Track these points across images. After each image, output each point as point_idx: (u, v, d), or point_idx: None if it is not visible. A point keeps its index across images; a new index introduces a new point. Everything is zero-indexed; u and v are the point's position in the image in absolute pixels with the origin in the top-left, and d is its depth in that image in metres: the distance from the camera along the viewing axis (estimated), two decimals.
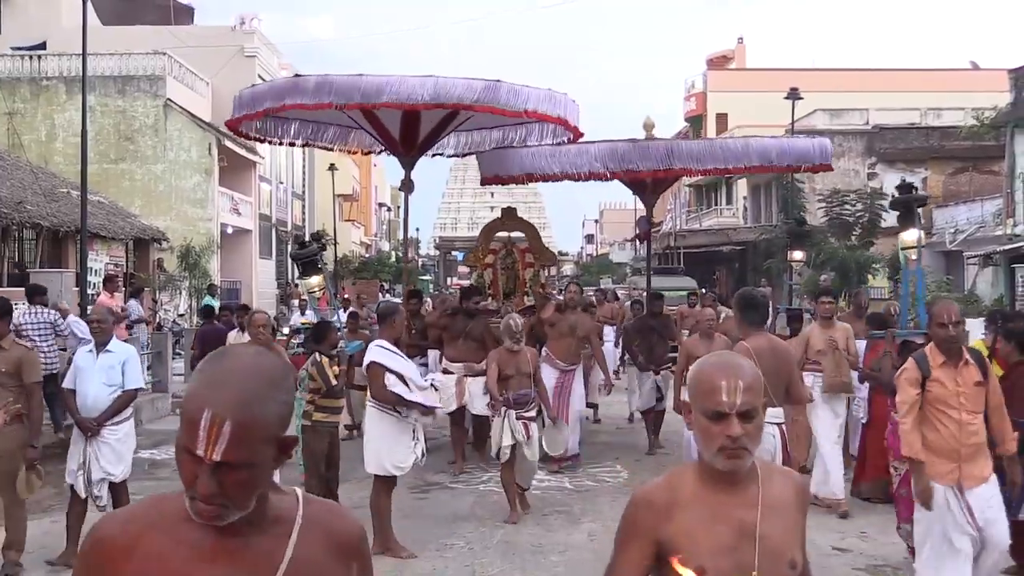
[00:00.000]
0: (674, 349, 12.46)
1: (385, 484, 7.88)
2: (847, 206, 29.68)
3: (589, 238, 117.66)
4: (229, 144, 33.05)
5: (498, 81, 11.07)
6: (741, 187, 49.62)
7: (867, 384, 9.75)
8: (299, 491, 2.01)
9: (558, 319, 11.39)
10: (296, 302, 25.29)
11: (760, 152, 12.53)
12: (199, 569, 1.86)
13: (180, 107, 31.17)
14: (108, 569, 1.89)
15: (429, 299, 20.91)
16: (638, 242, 18.94)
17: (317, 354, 8.53)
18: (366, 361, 8.05)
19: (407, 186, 12.91)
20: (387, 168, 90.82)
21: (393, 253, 73.10)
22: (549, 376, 10.56)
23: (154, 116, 31.05)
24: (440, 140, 13.12)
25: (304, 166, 47.67)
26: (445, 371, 11.20)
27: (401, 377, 7.83)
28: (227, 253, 34.14)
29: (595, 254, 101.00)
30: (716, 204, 54.66)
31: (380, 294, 34.20)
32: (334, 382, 8.43)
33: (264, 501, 1.90)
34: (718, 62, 61.91)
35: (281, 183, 42.84)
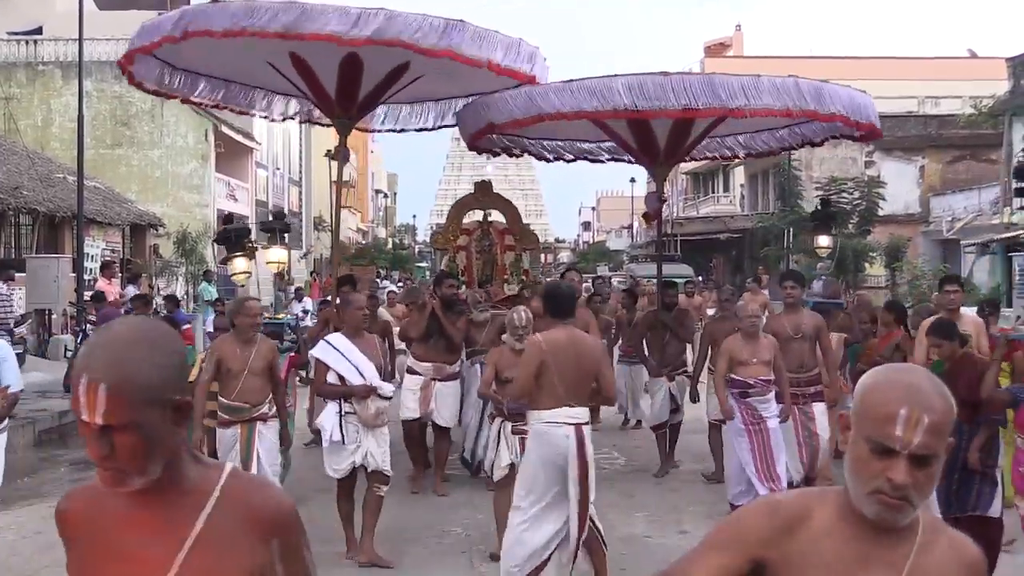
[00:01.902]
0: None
1: (339, 485, 7.39)
2: (844, 194, 29.68)
3: (586, 225, 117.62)
4: (226, 130, 33.00)
5: (461, 21, 9.03)
6: (738, 174, 49.62)
7: None
8: (229, 465, 2.02)
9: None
10: (294, 288, 25.25)
11: (812, 92, 9.49)
12: (116, 536, 1.93)
13: None
14: (67, 539, 2.02)
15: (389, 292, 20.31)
16: (645, 222, 15.02)
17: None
18: (311, 355, 7.63)
19: (341, 154, 10.95)
20: (384, 155, 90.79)
21: (390, 240, 73.10)
22: None
23: (151, 102, 30.86)
24: (385, 99, 10.93)
25: (301, 152, 47.57)
26: (410, 371, 9.65)
27: (341, 379, 7.22)
28: None
29: (592, 241, 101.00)
30: (713, 191, 54.67)
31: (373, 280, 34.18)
32: (191, 378, 7.36)
33: (175, 470, 1.92)
34: (716, 49, 61.77)
35: (278, 169, 42.76)
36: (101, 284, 15.68)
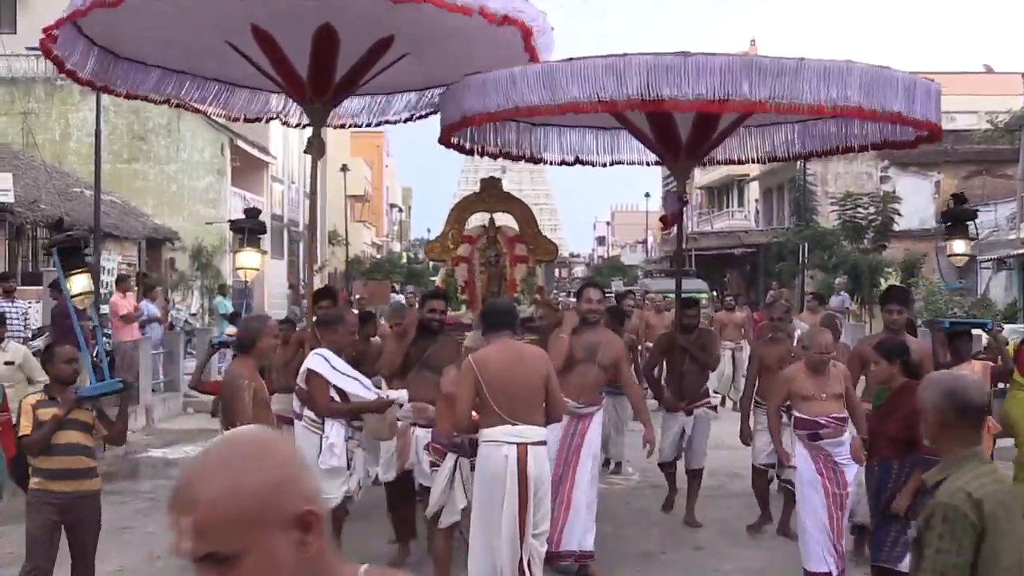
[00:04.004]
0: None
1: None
2: (860, 209, 29.62)
3: (600, 240, 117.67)
4: (242, 144, 33.19)
5: None
6: (753, 189, 49.60)
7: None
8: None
9: (571, 339, 7.77)
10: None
11: (864, 76, 7.26)
12: None
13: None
14: None
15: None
16: (663, 225, 11.29)
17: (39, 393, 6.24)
18: (303, 369, 6.75)
19: (316, 147, 9.22)
20: (399, 169, 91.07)
21: (404, 254, 73.27)
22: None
23: (167, 116, 31.08)
24: (366, 80, 9.09)
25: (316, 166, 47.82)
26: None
27: (344, 396, 6.64)
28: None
29: (606, 256, 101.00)
30: (728, 206, 54.64)
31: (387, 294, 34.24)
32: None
33: None
34: None
35: (293, 183, 42.92)
36: (116, 298, 15.72)
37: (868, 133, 9.52)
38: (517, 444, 5.81)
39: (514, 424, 5.83)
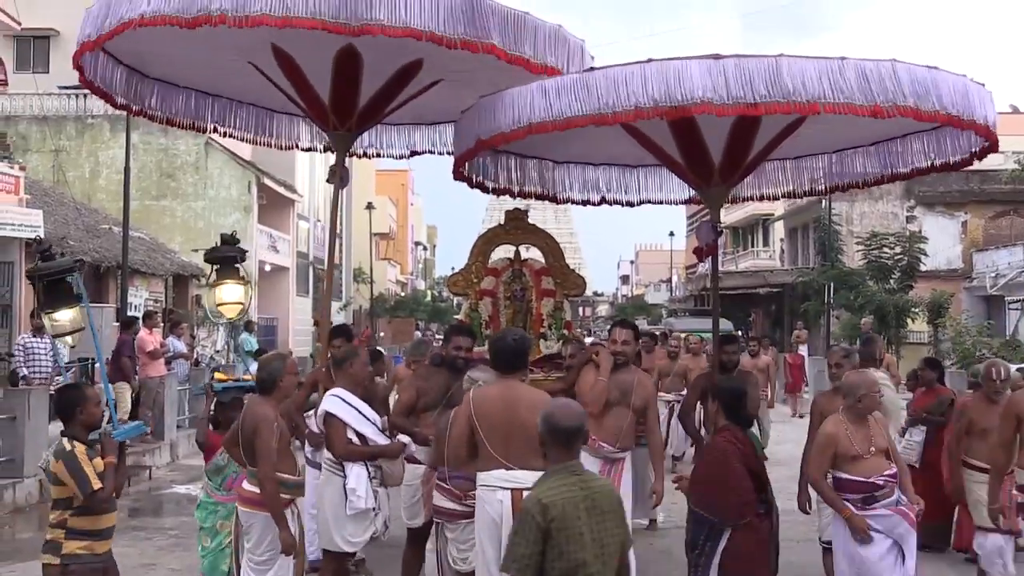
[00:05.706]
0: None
1: (335, 562, 6.55)
2: (886, 249, 29.49)
3: (624, 279, 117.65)
4: (268, 182, 33.49)
5: None
6: (778, 229, 49.50)
7: (920, 427, 9.33)
8: None
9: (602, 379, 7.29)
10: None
11: (916, 83, 6.31)
12: None
13: (221, 145, 31.64)
14: None
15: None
16: (697, 258, 9.90)
17: (66, 440, 5.40)
18: (320, 411, 6.61)
19: (338, 176, 8.69)
20: (424, 207, 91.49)
21: (429, 292, 73.49)
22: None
23: (195, 154, 31.48)
24: (391, 109, 8.63)
25: (342, 204, 48.11)
26: (409, 459, 7.16)
27: (363, 439, 6.54)
28: (265, 290, 34.44)
29: (630, 295, 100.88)
30: (753, 246, 54.54)
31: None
32: (96, 485, 5.24)
33: None
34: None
35: (319, 221, 43.19)
36: (143, 334, 15.84)
37: (917, 156, 8.51)
38: (512, 489, 5.60)
39: (509, 468, 5.65)
